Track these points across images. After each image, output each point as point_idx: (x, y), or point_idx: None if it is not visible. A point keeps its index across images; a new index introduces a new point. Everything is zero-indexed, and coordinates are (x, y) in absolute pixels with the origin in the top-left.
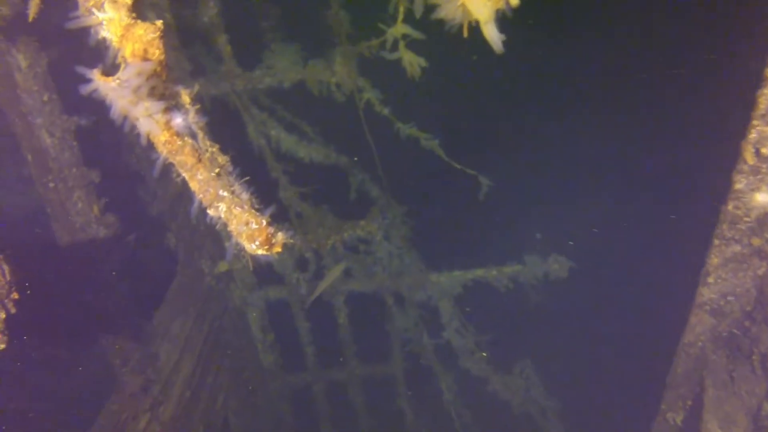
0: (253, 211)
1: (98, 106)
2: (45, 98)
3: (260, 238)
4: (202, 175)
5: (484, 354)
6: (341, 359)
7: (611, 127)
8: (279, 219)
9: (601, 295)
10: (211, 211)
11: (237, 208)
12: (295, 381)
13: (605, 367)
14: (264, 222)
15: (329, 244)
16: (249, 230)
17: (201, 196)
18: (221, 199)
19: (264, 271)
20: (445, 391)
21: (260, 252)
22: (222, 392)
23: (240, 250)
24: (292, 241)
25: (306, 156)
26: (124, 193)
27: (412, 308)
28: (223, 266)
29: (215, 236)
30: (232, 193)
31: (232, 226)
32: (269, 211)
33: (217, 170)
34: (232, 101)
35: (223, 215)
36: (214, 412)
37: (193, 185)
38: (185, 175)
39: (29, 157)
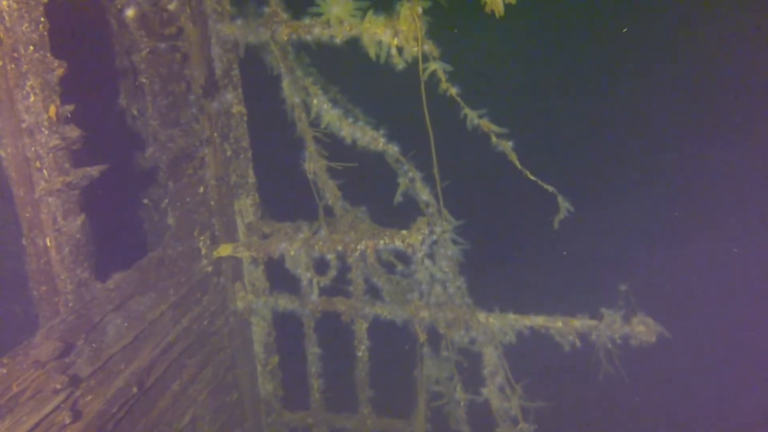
0: None
1: None
2: None
3: None
4: None
5: (531, 428)
6: (352, 404)
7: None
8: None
9: (697, 373)
10: None
11: None
12: (293, 420)
13: None
14: None
15: (358, 249)
16: None
17: None
18: None
19: (275, 273)
20: None
21: None
22: (192, 408)
23: None
24: None
25: (349, 136)
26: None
27: (449, 352)
28: (225, 249)
29: (227, 214)
30: None
31: None
32: None
33: None
34: (270, 52)
35: None
36: (172, 427)
37: None
38: None
39: None
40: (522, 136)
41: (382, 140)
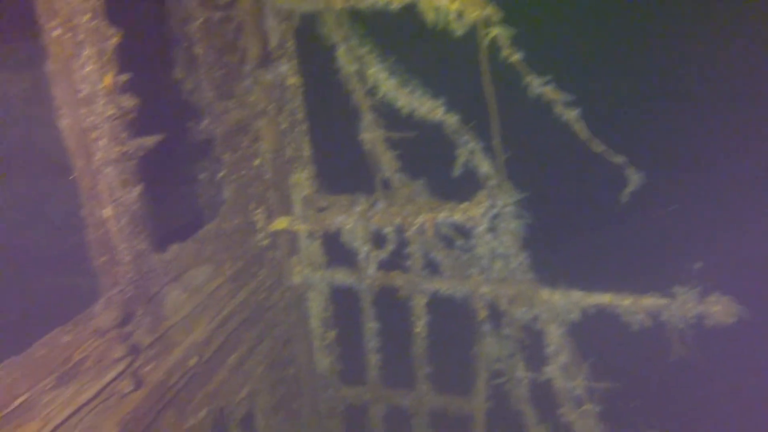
0: None
1: None
2: None
3: None
4: None
5: (596, 408)
6: (410, 380)
7: None
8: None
9: None
10: None
11: None
12: (350, 395)
13: None
14: None
15: (417, 223)
16: None
17: None
18: None
19: (332, 247)
20: None
21: None
22: (250, 382)
23: None
24: None
25: (406, 106)
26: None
27: (511, 329)
28: (281, 222)
29: (282, 188)
30: None
31: None
32: None
33: None
34: (326, 21)
35: None
36: (230, 400)
37: None
38: None
39: None
40: (589, 104)
41: (440, 110)
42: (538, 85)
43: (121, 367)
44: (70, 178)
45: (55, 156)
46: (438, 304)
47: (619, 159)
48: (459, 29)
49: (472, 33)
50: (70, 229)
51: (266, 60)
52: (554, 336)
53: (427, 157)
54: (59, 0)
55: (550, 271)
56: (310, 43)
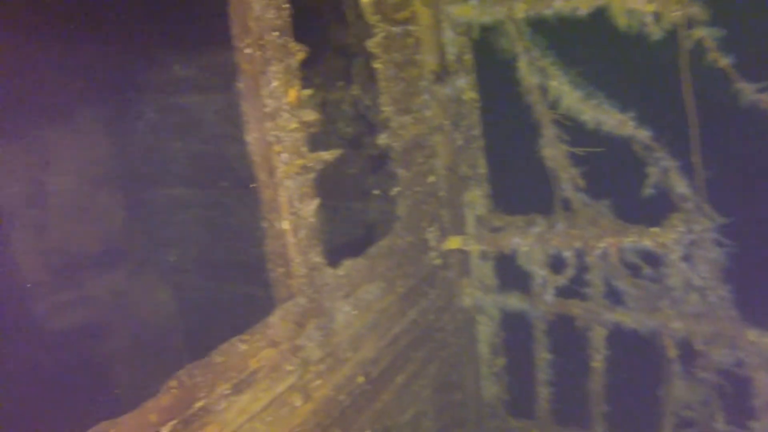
0: None
1: None
2: None
3: None
4: None
5: None
6: (584, 419)
7: None
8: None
9: None
10: None
11: None
12: (517, 428)
13: None
14: None
15: (599, 248)
16: None
17: None
18: None
19: (506, 270)
20: None
21: None
22: (416, 404)
23: None
24: None
25: (591, 121)
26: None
27: (707, 372)
28: (453, 242)
29: (456, 206)
30: None
31: None
32: None
33: None
34: (506, 32)
35: None
36: (396, 422)
37: None
38: None
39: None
40: None
41: (630, 124)
42: (751, 92)
43: (292, 379)
44: (251, 186)
45: (242, 171)
46: (620, 338)
47: None
48: (655, 33)
49: (670, 37)
50: (251, 241)
51: (443, 74)
52: (764, 385)
53: (613, 176)
54: (252, 19)
55: (759, 309)
56: (488, 57)
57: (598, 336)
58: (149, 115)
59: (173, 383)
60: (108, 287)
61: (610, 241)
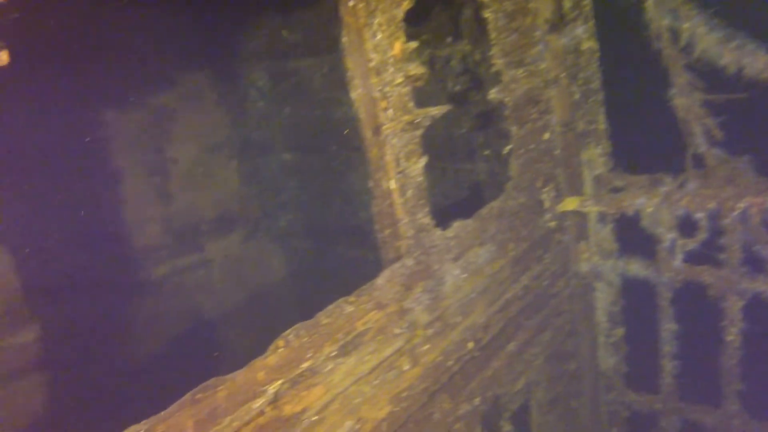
0: None
1: None
2: None
3: None
4: None
5: None
6: (714, 396)
7: None
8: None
9: None
10: None
11: None
12: (637, 402)
13: None
14: None
15: (738, 209)
16: None
17: None
18: None
19: (627, 233)
20: None
21: None
22: (528, 373)
23: None
24: None
25: (732, 64)
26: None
27: None
28: (570, 203)
29: (572, 165)
30: None
31: None
32: None
33: None
34: None
35: None
36: (507, 390)
37: None
38: None
39: None
40: None
41: None
42: None
43: (399, 343)
44: (345, 132)
45: (349, 134)
46: (759, 310)
47: None
48: None
49: None
50: (360, 204)
51: (559, 23)
52: None
53: (755, 128)
54: None
55: None
56: (609, 1)
57: (733, 307)
58: (260, 83)
59: (281, 342)
60: (223, 251)
61: (751, 201)
